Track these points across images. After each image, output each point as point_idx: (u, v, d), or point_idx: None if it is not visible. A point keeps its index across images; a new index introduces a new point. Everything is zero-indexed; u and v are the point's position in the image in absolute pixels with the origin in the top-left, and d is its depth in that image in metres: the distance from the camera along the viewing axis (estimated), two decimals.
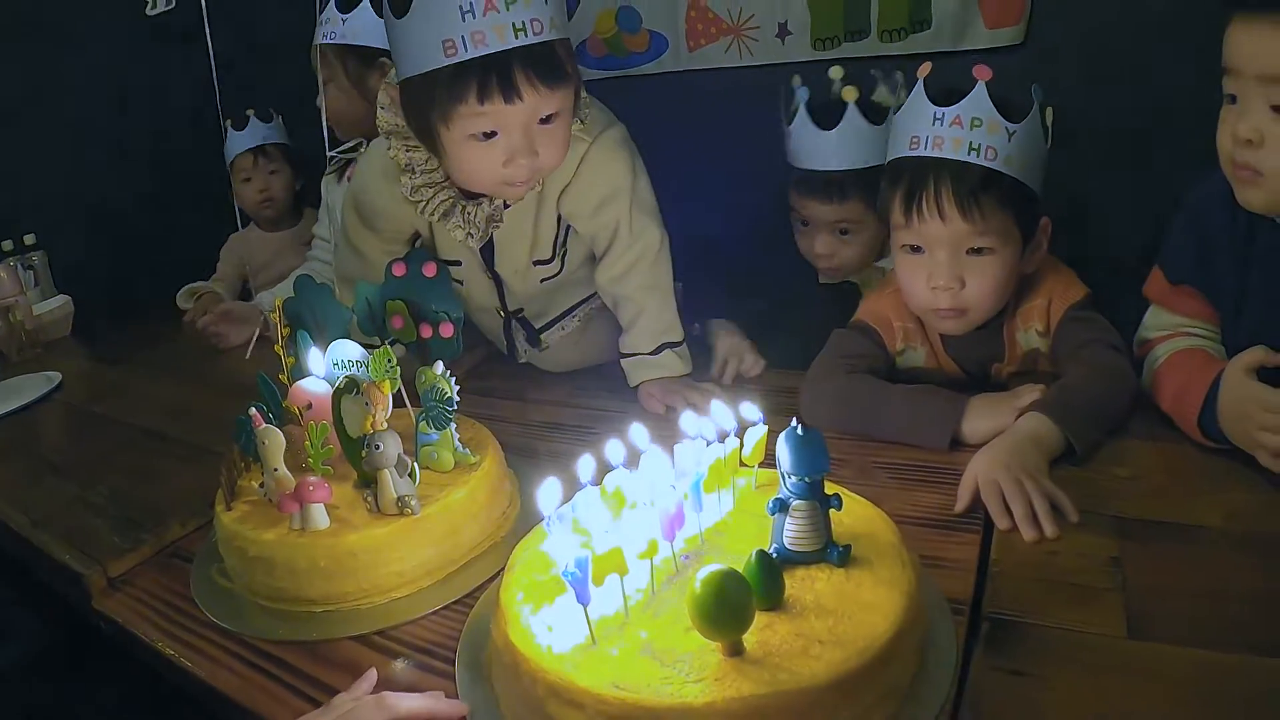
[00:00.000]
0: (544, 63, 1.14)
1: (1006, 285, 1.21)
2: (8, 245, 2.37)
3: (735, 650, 0.69)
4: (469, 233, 1.35)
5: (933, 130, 1.13)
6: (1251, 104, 0.95)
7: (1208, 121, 1.02)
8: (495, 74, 1.12)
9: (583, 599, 0.69)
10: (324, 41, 1.78)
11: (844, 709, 0.67)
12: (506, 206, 1.35)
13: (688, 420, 0.87)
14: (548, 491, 0.76)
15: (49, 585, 1.20)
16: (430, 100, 1.16)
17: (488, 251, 1.42)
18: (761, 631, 0.70)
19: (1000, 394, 1.17)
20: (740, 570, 0.70)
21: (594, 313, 1.56)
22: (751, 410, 0.89)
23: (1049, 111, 1.17)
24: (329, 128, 1.84)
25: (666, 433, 0.87)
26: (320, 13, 1.80)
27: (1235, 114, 0.98)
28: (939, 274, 1.18)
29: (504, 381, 1.60)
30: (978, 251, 1.16)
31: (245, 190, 2.39)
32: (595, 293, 1.52)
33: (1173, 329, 1.21)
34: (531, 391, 1.55)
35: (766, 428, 0.89)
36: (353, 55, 1.80)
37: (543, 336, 1.56)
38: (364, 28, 1.78)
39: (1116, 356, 1.17)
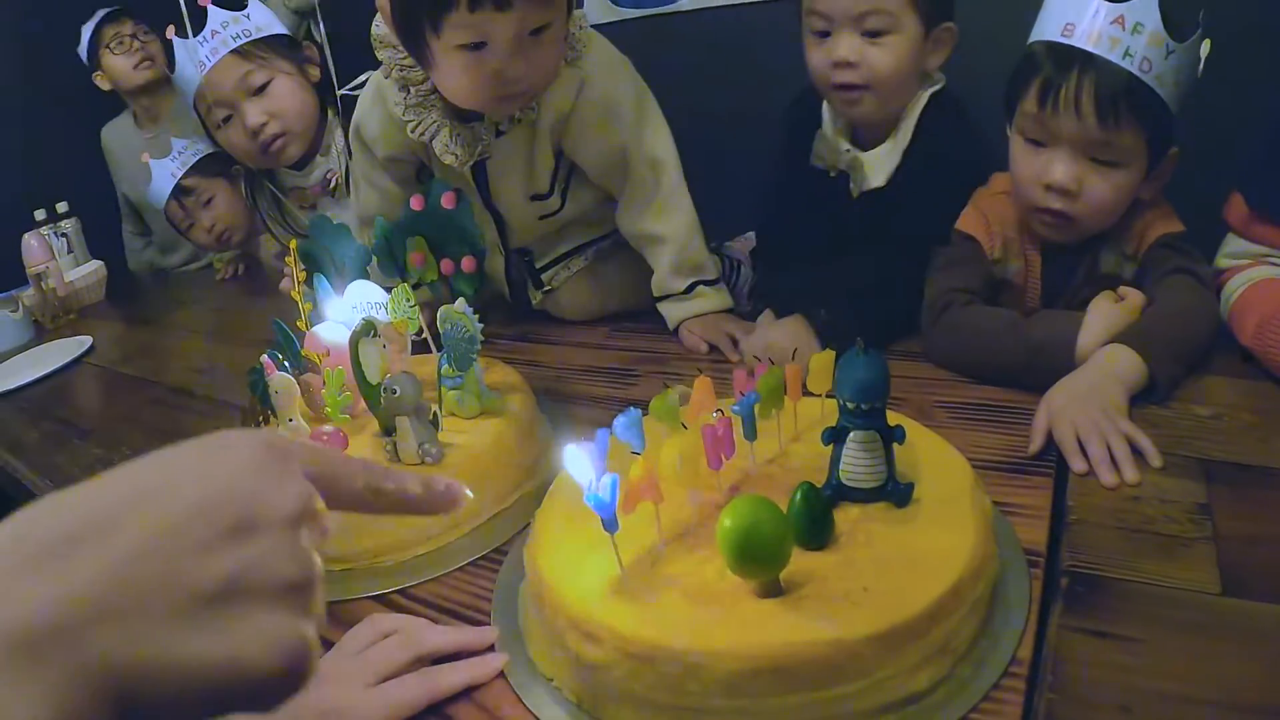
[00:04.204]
0: None
1: (1121, 204, 1.11)
2: (40, 214, 2.34)
3: (770, 591, 0.62)
4: (454, 154, 1.28)
5: (1091, 23, 1.03)
6: None
7: None
8: None
9: (610, 526, 0.63)
10: (244, 42, 1.75)
11: (885, 665, 0.60)
12: (500, 135, 1.28)
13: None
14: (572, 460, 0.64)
15: None
16: (420, 6, 1.09)
17: (482, 184, 1.35)
18: (803, 574, 0.64)
19: (1100, 299, 1.08)
20: (783, 504, 0.63)
21: (605, 253, 1.48)
22: None
23: (1208, 43, 1.06)
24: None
25: (717, 373, 0.80)
26: (196, 33, 1.74)
27: None
28: (1057, 173, 1.08)
29: (535, 326, 1.52)
30: (1102, 162, 1.07)
31: (198, 236, 2.21)
32: (606, 235, 1.45)
33: (1253, 258, 1.11)
34: (566, 336, 1.46)
35: (833, 352, 0.78)
36: (278, 42, 1.79)
37: (544, 276, 1.48)
38: (266, 19, 1.78)
39: (1203, 289, 1.08)
